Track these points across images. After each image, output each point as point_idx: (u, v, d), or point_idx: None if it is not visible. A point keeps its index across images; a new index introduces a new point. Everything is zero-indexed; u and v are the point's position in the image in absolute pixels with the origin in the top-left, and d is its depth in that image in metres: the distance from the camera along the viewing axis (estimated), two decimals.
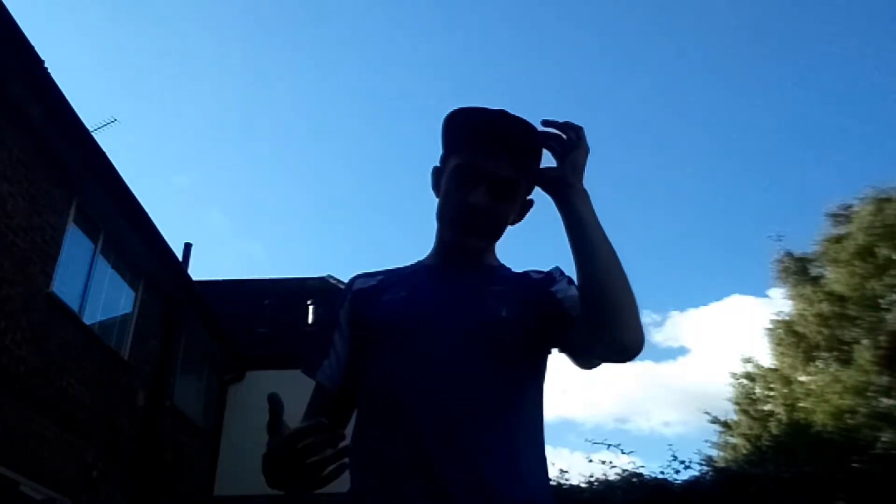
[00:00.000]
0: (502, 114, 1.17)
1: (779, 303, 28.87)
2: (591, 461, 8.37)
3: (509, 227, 1.28)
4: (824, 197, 24.22)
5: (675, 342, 37.38)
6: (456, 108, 1.21)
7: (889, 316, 11.11)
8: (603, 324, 1.03)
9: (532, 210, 1.30)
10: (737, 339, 31.06)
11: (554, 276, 1.23)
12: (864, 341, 11.41)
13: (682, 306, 44.78)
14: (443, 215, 1.25)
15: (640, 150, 30.45)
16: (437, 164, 1.31)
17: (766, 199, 29.44)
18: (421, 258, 1.34)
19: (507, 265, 1.33)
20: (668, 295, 35.27)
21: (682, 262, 33.06)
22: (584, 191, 1.13)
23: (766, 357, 14.76)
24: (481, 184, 1.18)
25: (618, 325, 1.02)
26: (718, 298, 39.10)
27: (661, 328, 37.33)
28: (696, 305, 44.19)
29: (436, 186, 1.30)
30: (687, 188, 29.59)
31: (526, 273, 1.28)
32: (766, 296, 37.34)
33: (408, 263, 1.35)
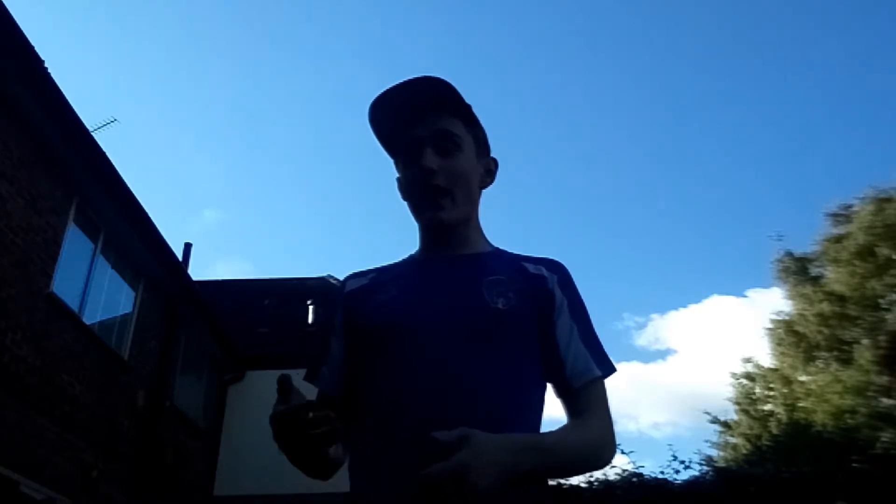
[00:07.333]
0: (408, 82, 1.18)
1: (759, 302, 29.14)
2: None
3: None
4: (824, 197, 24.23)
5: (659, 344, 37.59)
6: (368, 112, 1.22)
7: (889, 316, 11.11)
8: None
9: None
10: (721, 339, 31.32)
11: (553, 292, 1.18)
12: (864, 341, 11.41)
13: (662, 309, 44.99)
14: (410, 202, 1.23)
15: (631, 153, 30.44)
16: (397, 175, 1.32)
17: (751, 200, 29.55)
18: (412, 252, 1.30)
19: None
20: (649, 298, 35.53)
21: (662, 265, 33.18)
22: (523, 461, 0.96)
23: (765, 357, 14.78)
24: (424, 148, 1.18)
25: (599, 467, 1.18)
26: (698, 300, 39.36)
27: (643, 331, 37.59)
28: (676, 307, 44.47)
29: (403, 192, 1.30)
30: (669, 188, 29.63)
31: (521, 263, 1.22)
32: (745, 296, 37.55)
33: (399, 259, 1.31)
